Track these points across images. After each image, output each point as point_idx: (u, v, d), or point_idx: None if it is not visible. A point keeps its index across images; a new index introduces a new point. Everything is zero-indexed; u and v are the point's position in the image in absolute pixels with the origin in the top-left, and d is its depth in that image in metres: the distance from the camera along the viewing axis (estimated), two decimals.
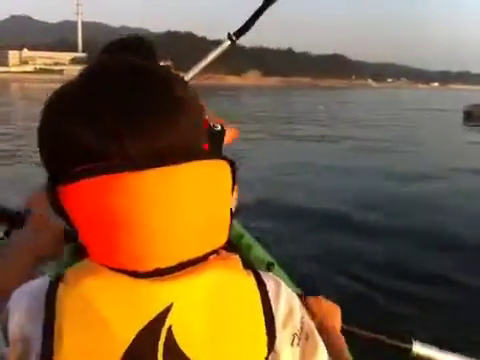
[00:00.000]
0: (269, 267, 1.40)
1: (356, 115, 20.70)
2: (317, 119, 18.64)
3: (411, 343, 1.16)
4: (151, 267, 0.53)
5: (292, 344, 0.61)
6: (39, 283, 0.57)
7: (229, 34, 2.05)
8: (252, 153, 9.31)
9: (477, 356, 1.18)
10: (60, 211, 0.54)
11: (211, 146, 0.69)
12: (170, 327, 0.53)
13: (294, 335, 0.61)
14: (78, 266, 0.56)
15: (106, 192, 0.51)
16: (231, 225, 0.59)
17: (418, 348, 1.16)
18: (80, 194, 0.52)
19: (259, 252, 1.66)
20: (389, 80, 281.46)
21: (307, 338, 0.63)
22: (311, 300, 1.05)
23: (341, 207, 5.56)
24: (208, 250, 0.56)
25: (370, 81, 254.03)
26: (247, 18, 2.00)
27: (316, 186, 6.92)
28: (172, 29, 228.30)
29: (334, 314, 1.05)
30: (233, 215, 0.59)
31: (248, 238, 1.84)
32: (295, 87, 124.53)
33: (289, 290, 0.64)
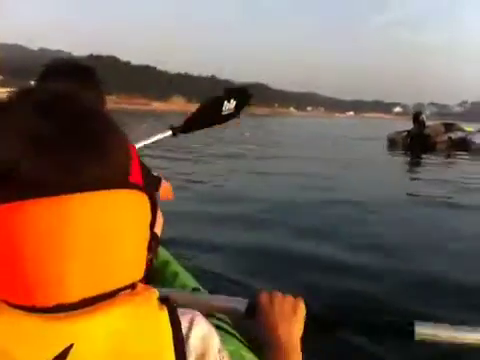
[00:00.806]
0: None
1: (280, 140, 20.66)
2: (244, 142, 18.67)
3: (413, 325, 0.99)
4: (51, 302, 0.50)
5: None
6: None
7: (172, 127, 2.49)
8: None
9: None
10: None
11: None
12: None
13: None
14: None
15: (1, 221, 0.49)
16: (156, 253, 0.59)
17: (421, 329, 0.98)
18: None
19: (185, 279, 1.64)
20: (309, 109, 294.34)
21: None
22: (263, 298, 0.90)
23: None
24: (118, 286, 0.53)
25: (292, 109, 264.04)
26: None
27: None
28: (95, 52, 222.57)
29: (292, 313, 0.88)
30: (158, 242, 0.59)
31: (175, 265, 1.82)
32: None
33: (208, 326, 0.62)
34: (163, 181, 1.69)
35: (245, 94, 3.05)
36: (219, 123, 2.85)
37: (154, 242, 0.59)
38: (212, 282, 2.98)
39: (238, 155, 13.72)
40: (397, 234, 5.38)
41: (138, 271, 0.56)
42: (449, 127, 20.16)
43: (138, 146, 2.42)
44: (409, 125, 19.33)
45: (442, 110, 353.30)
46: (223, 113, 2.80)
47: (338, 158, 14.13)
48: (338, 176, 10.07)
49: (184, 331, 0.58)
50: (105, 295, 0.52)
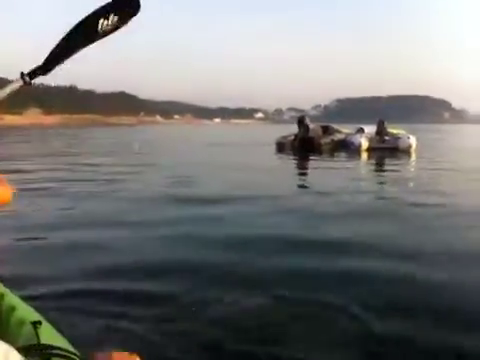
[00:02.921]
0: (35, 326, 1.23)
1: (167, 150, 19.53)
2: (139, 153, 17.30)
3: None
4: None
5: None
6: None
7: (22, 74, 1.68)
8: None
9: None
10: None
11: None
12: None
13: None
14: None
15: None
16: None
17: None
18: None
19: (24, 311, 1.56)
20: (176, 116, 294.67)
21: None
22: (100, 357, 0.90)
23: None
24: None
25: (158, 117, 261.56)
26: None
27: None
28: None
29: None
30: None
31: (11, 297, 1.73)
32: (81, 125, 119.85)
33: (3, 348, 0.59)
34: None
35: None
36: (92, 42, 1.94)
37: None
38: (59, 314, 2.70)
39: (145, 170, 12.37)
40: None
41: None
42: (326, 129, 21.07)
43: None
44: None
45: (300, 114, 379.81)
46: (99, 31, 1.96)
47: (240, 162, 13.71)
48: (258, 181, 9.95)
49: None
50: None
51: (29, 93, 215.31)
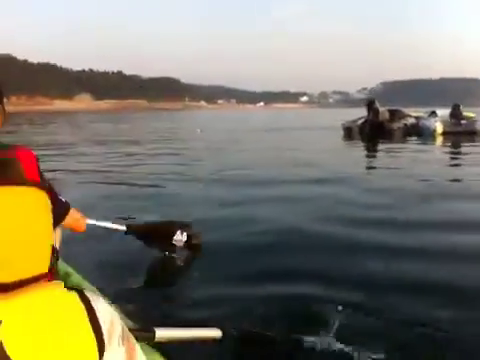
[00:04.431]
0: None
1: (235, 136, 19.50)
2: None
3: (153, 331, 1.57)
4: None
5: (119, 345, 0.71)
6: None
7: (128, 225, 3.19)
8: None
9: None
10: None
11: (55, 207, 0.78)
12: (1, 342, 0.58)
13: (119, 337, 0.72)
14: None
15: None
16: (56, 265, 0.68)
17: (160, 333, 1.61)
18: None
19: (88, 288, 1.68)
20: (220, 101, 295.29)
21: (128, 340, 0.75)
22: None
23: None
24: (30, 274, 0.62)
25: (203, 103, 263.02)
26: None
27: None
28: None
29: None
30: (58, 256, 0.68)
31: (76, 277, 2.05)
32: (131, 110, 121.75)
33: (106, 304, 0.72)
34: (74, 210, 1.75)
35: (197, 239, 3.34)
36: (163, 250, 3.27)
37: (53, 253, 0.66)
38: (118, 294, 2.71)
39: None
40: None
41: (43, 263, 0.64)
42: (394, 113, 20.34)
43: (91, 222, 2.63)
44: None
45: (345, 97, 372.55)
46: (172, 242, 3.21)
47: (310, 149, 13.50)
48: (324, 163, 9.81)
49: (95, 308, 0.66)
50: (21, 282, 0.61)
51: (78, 80, 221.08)
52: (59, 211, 1.39)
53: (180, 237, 3.24)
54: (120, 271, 3.28)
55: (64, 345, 0.61)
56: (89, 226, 2.73)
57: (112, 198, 6.10)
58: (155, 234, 3.22)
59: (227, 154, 12.28)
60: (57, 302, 0.63)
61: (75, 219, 1.81)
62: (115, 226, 3.09)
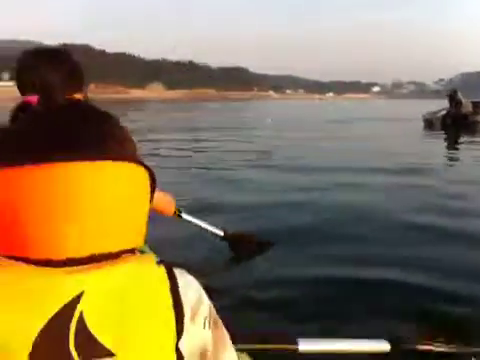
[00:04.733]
0: None
1: (312, 126, 19.25)
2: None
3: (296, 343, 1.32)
4: (63, 256, 0.57)
5: (204, 327, 0.68)
6: None
7: (226, 232, 3.27)
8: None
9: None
10: None
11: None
12: (81, 312, 0.58)
13: (205, 319, 0.68)
14: None
15: (18, 183, 0.57)
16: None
17: (304, 346, 1.36)
18: None
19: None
20: (288, 91, 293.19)
21: (216, 326, 0.71)
22: None
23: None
24: (122, 248, 0.61)
25: (271, 92, 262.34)
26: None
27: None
28: (68, 41, 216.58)
29: None
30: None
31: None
32: (200, 99, 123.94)
33: (195, 281, 0.70)
34: (164, 193, 1.68)
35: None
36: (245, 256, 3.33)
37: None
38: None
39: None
40: None
41: (138, 237, 0.64)
42: (477, 106, 19.17)
43: (187, 218, 2.78)
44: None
45: (421, 88, 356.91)
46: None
47: (391, 140, 12.96)
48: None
49: (180, 284, 0.65)
50: (110, 254, 0.60)
51: (151, 69, 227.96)
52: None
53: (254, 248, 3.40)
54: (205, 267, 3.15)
55: (143, 320, 0.61)
56: (183, 222, 2.74)
57: (187, 184, 6.24)
58: (241, 243, 3.30)
59: (303, 143, 12.15)
60: (142, 276, 0.63)
61: (166, 201, 1.78)
62: (212, 228, 3.10)
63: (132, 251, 0.63)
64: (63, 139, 0.60)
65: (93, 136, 0.62)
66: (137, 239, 0.64)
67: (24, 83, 1.46)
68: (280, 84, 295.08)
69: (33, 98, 1.18)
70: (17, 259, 0.59)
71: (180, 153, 9.90)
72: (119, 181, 0.60)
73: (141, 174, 0.63)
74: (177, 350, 0.64)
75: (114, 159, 0.60)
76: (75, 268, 0.59)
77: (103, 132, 0.63)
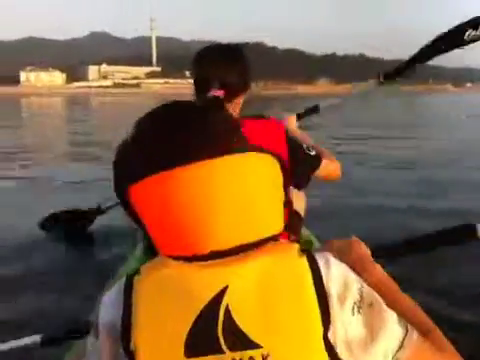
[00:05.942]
0: None
1: None
2: None
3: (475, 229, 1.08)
4: (208, 250, 0.62)
5: (353, 313, 0.65)
6: (123, 280, 0.69)
7: (379, 74, 2.26)
8: None
9: None
10: (129, 212, 0.67)
11: (298, 166, 1.03)
12: (227, 306, 0.61)
13: (354, 304, 0.66)
14: (151, 262, 0.67)
15: (166, 185, 0.62)
16: (299, 232, 0.70)
17: None
18: (144, 191, 0.63)
19: None
20: (468, 85, 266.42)
21: (371, 305, 0.67)
22: (323, 247, 0.94)
23: None
24: (261, 236, 0.63)
25: (449, 86, 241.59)
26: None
27: None
28: (245, 39, 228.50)
29: (346, 250, 0.89)
30: (302, 221, 0.71)
31: (318, 245, 1.94)
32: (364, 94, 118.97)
33: (342, 265, 0.69)
34: (327, 160, 1.65)
35: None
36: (453, 48, 2.22)
37: (297, 220, 0.70)
38: None
39: None
40: None
41: (276, 224, 0.66)
42: None
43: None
44: None
45: None
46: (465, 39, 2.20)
47: None
48: None
49: (322, 271, 0.65)
50: (252, 244, 0.63)
51: (320, 65, 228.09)
52: (303, 171, 1.46)
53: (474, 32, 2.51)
54: None
55: (287, 311, 0.62)
56: None
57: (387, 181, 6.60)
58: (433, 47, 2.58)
59: None
60: (284, 267, 0.63)
61: (329, 170, 1.70)
62: (366, 86, 2.87)
63: (274, 238, 0.65)
64: (203, 138, 0.63)
65: (224, 132, 0.65)
66: (275, 226, 0.65)
67: (205, 78, 1.46)
68: (458, 77, 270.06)
69: (220, 92, 1.37)
70: (175, 258, 0.64)
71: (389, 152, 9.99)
72: (251, 172, 0.63)
73: (269, 161, 0.66)
74: (325, 340, 0.62)
75: (246, 151, 0.64)
76: (218, 261, 0.63)
77: (231, 129, 0.67)
